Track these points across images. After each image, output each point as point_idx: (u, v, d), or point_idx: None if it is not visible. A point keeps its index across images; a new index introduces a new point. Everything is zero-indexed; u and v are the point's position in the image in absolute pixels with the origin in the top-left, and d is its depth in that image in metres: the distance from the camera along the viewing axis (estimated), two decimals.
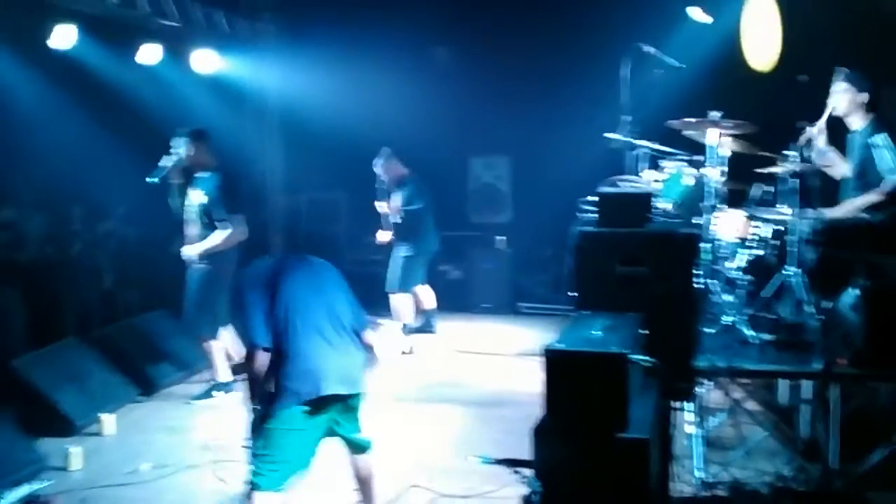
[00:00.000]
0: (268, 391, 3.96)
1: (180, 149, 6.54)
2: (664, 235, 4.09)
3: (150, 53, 7.91)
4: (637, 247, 4.02)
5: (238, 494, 4.48)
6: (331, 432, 4.12)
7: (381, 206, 8.15)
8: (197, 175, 6.61)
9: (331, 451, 4.24)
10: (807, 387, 5.13)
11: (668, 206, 5.18)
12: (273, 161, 10.01)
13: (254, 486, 3.87)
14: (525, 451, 3.21)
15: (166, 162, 6.52)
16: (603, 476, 3.02)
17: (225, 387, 6.69)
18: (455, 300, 9.71)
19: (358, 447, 4.23)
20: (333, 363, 4.01)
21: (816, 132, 5.39)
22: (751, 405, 5.25)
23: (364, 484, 4.29)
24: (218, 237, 6.43)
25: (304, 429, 3.95)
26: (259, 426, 3.94)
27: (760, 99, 6.83)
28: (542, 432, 3.11)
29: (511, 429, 5.50)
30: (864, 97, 5.44)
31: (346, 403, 4.09)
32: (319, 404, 3.95)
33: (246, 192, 9.82)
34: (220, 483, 5.05)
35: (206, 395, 6.70)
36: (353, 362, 4.14)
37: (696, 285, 4.29)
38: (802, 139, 5.22)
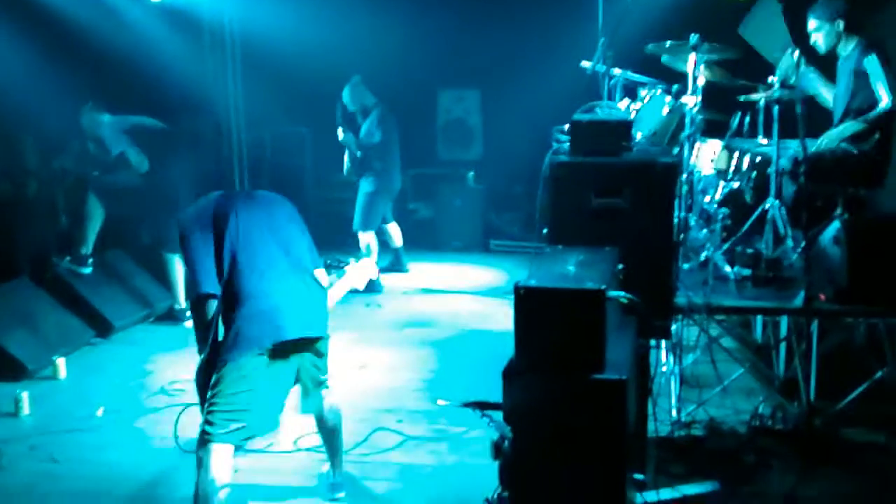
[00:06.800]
0: (218, 337, 3.60)
1: None
2: (643, 165, 3.82)
3: None
4: (614, 177, 3.77)
5: (192, 443, 4.26)
6: (296, 380, 3.81)
7: (340, 134, 7.81)
8: None
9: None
10: (785, 323, 5.01)
11: (639, 136, 4.98)
12: (235, 95, 9.60)
13: (208, 437, 3.53)
14: (498, 392, 3.01)
15: None
16: (578, 419, 2.82)
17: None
18: (425, 239, 9.50)
19: (322, 396, 3.91)
20: (293, 303, 3.66)
21: (797, 52, 5.12)
22: (727, 343, 5.12)
23: (330, 434, 4.00)
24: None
25: (264, 377, 3.59)
26: (210, 373, 3.58)
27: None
28: (513, 374, 2.90)
29: (483, 369, 5.32)
30: (840, 24, 5.18)
31: (313, 348, 3.78)
32: (282, 350, 3.62)
33: (208, 128, 9.49)
34: (175, 429, 4.84)
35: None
36: (316, 302, 3.79)
37: (674, 218, 4.09)
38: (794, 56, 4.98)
